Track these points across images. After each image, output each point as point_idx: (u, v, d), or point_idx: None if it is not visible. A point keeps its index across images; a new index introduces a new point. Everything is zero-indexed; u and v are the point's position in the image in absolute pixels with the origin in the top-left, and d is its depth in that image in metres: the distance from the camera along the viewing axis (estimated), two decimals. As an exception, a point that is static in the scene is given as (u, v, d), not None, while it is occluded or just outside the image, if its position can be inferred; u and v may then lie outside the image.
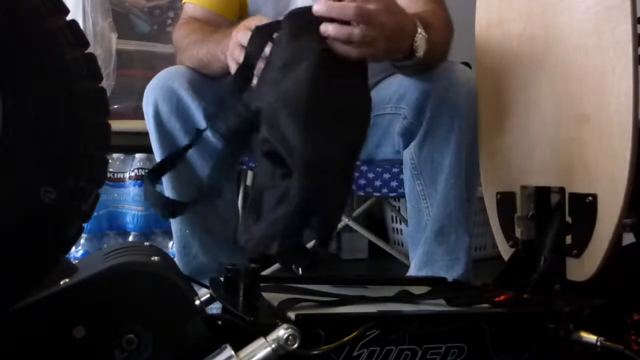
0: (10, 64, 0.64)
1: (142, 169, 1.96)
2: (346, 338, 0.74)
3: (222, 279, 0.87)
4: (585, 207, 0.95)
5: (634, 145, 0.90)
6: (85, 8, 1.90)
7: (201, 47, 1.20)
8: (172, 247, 1.87)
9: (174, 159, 1.05)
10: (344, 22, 0.88)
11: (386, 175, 1.50)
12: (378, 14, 0.91)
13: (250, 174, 2.00)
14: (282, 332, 0.69)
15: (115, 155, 1.98)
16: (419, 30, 1.02)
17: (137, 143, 1.62)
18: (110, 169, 1.96)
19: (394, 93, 1.27)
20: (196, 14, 1.34)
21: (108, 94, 0.76)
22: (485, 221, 1.19)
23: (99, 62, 0.78)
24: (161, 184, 1.29)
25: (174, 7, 2.18)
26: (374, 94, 1.38)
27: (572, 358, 0.87)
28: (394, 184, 1.50)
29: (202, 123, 1.21)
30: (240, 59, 0.95)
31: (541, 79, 1.06)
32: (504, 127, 1.13)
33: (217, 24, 1.31)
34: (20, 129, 0.65)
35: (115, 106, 1.93)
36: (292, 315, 0.74)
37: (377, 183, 1.52)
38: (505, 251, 1.11)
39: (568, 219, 0.99)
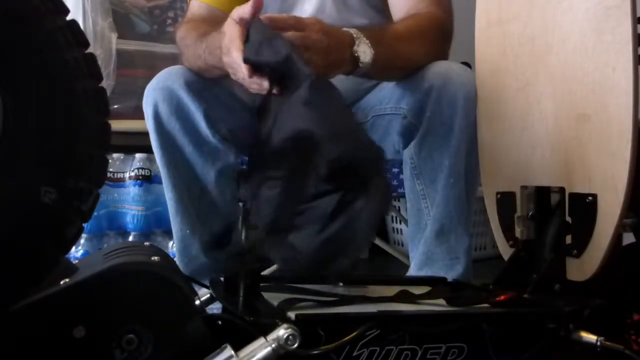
0: (11, 64, 0.64)
1: (142, 169, 1.96)
2: (346, 338, 0.74)
3: (222, 279, 0.87)
4: (585, 207, 0.95)
5: (634, 145, 0.90)
6: (85, 8, 1.90)
7: (195, 54, 1.19)
8: (172, 247, 1.87)
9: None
10: None
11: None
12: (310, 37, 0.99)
13: (250, 174, 2.00)
14: (282, 332, 0.69)
15: (115, 155, 1.98)
16: (357, 42, 1.07)
17: (137, 143, 1.62)
18: (110, 169, 1.96)
19: (393, 93, 1.28)
20: (201, 11, 1.33)
21: (108, 94, 0.76)
22: (485, 221, 1.19)
23: (99, 62, 0.78)
24: (160, 182, 1.29)
25: (174, 7, 2.18)
26: (374, 94, 1.38)
27: (572, 358, 0.87)
28: (394, 184, 1.50)
29: (202, 124, 1.21)
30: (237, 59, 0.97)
31: (541, 79, 1.06)
32: (503, 127, 1.13)
33: (222, 21, 1.31)
34: (20, 129, 0.65)
35: (115, 106, 1.93)
36: (292, 315, 0.74)
37: (377, 183, 1.52)
38: (505, 251, 1.11)
39: (568, 219, 0.99)
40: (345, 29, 1.09)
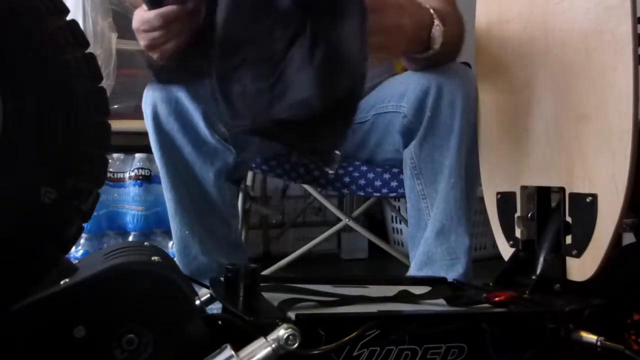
0: (10, 64, 0.64)
1: (142, 169, 1.96)
2: (346, 338, 0.74)
3: (222, 279, 0.87)
4: (585, 207, 0.95)
5: (634, 145, 0.90)
6: (85, 8, 1.90)
7: None
8: (172, 247, 1.87)
9: None
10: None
11: (386, 176, 1.50)
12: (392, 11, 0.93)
13: (250, 174, 2.00)
14: (282, 332, 0.69)
15: (115, 155, 1.99)
16: (436, 22, 1.04)
17: (137, 143, 1.62)
18: (110, 169, 1.96)
19: (394, 91, 1.28)
20: None
21: (108, 94, 0.76)
22: (485, 221, 1.19)
23: (99, 62, 0.78)
24: (160, 182, 1.29)
25: (174, 7, 2.18)
26: (376, 93, 1.38)
27: (572, 358, 0.87)
28: (394, 184, 1.50)
29: (200, 124, 1.21)
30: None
31: (541, 79, 1.06)
32: (504, 127, 1.13)
33: None
34: (20, 129, 0.65)
35: (115, 106, 1.93)
36: (292, 315, 0.74)
37: (377, 183, 1.52)
38: (505, 251, 1.11)
39: (568, 219, 0.99)
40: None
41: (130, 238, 1.97)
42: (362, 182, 1.55)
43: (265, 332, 0.69)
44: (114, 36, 1.96)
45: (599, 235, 0.94)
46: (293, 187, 2.57)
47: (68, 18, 0.69)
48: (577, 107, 0.99)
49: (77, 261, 0.92)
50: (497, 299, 0.89)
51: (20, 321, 0.68)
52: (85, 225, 0.71)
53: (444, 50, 1.09)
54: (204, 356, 0.69)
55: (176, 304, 0.73)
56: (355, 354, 0.75)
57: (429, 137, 1.19)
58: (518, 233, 1.08)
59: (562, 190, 1.00)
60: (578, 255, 0.97)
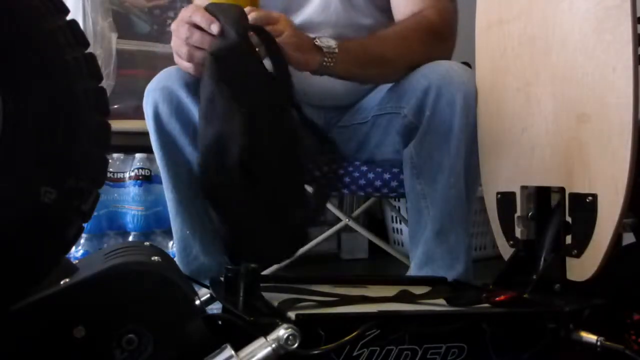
0: (10, 64, 0.64)
1: (142, 169, 1.96)
2: (346, 338, 0.74)
3: (222, 279, 0.87)
4: (585, 207, 0.95)
5: (634, 145, 0.90)
6: (85, 8, 1.90)
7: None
8: (172, 247, 1.87)
9: None
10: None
11: (386, 175, 1.50)
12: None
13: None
14: (282, 331, 0.69)
15: (115, 155, 1.98)
16: (316, 39, 1.15)
17: (137, 143, 1.62)
18: (110, 169, 1.96)
19: (393, 92, 1.28)
20: None
21: (108, 94, 0.76)
22: (485, 221, 1.19)
23: (99, 62, 0.78)
24: (160, 182, 1.29)
25: (174, 7, 2.19)
26: (375, 94, 1.38)
27: (572, 358, 0.87)
28: (394, 184, 1.50)
29: (201, 124, 1.21)
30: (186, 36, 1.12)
31: (541, 79, 1.06)
32: (504, 127, 1.13)
33: None
34: (20, 129, 0.65)
35: (115, 106, 1.93)
36: (292, 315, 0.74)
37: (377, 183, 1.52)
38: (505, 251, 1.11)
39: (568, 219, 0.99)
40: None
41: (130, 238, 1.97)
42: (362, 182, 1.55)
43: (265, 332, 0.70)
44: (114, 36, 1.97)
45: (599, 235, 0.94)
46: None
47: (68, 18, 0.69)
48: (577, 107, 0.99)
49: (77, 261, 0.92)
50: (497, 299, 0.89)
51: (20, 321, 0.68)
52: (85, 225, 0.71)
53: (351, 51, 1.17)
54: (204, 356, 0.69)
55: (176, 304, 0.73)
56: (355, 353, 0.75)
57: (428, 136, 1.19)
58: (518, 233, 1.08)
59: (562, 190, 1.00)
60: (578, 255, 0.97)
